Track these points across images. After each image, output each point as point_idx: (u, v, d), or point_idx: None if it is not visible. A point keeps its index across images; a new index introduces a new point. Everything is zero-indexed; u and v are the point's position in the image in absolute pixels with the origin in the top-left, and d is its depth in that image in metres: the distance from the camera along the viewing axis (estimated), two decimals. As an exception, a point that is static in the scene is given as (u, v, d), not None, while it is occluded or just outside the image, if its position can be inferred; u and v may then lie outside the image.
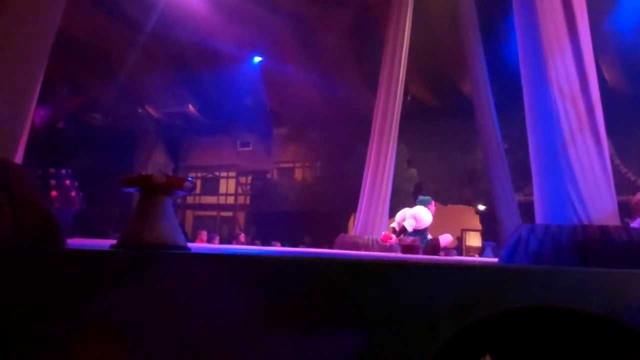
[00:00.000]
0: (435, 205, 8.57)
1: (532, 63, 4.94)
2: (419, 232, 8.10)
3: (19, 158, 3.52)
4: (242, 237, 17.02)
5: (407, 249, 8.03)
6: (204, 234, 15.12)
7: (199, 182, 24.90)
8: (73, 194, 6.78)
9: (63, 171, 6.75)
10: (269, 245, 16.02)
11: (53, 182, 6.58)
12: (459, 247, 20.10)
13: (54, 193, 6.48)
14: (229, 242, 17.35)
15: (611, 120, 4.94)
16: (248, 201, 25.49)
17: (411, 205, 8.59)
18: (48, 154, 6.63)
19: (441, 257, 7.42)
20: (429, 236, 8.25)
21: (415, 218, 8.10)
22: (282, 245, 12.30)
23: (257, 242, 16.97)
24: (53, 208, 5.51)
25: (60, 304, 2.60)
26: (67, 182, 6.74)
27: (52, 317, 2.57)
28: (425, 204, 8.38)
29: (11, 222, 2.90)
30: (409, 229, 8.03)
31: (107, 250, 3.12)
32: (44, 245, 3.02)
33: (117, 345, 2.59)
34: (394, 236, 8.21)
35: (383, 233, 8.65)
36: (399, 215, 8.44)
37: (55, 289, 2.61)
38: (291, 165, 24.93)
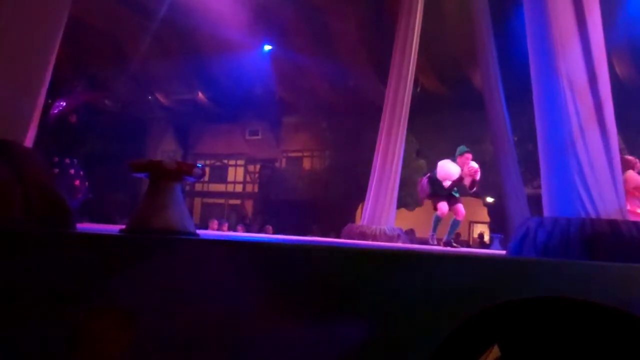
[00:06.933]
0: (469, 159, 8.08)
1: (541, 55, 4.90)
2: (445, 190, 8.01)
3: (29, 142, 3.54)
4: (239, 229, 17.08)
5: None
6: (215, 224, 15.12)
7: (207, 170, 24.95)
8: (77, 183, 6.72)
9: (67, 160, 6.68)
10: (265, 230, 16.14)
11: (56, 170, 6.53)
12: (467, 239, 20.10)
13: None
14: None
15: (622, 114, 4.91)
16: (256, 189, 25.54)
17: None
18: (57, 139, 6.57)
19: (448, 249, 7.40)
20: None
21: (438, 169, 7.99)
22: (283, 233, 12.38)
23: (268, 227, 17.05)
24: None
25: (70, 287, 2.62)
26: (72, 171, 6.68)
27: (61, 301, 2.59)
28: (458, 153, 8.11)
29: (22, 205, 2.92)
30: (445, 183, 7.88)
31: (117, 234, 3.14)
32: (54, 228, 3.04)
33: (124, 329, 2.60)
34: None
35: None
36: None
37: (64, 272, 2.63)
38: (300, 154, 24.94)
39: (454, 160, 8.05)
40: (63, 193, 3.38)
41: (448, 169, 7.93)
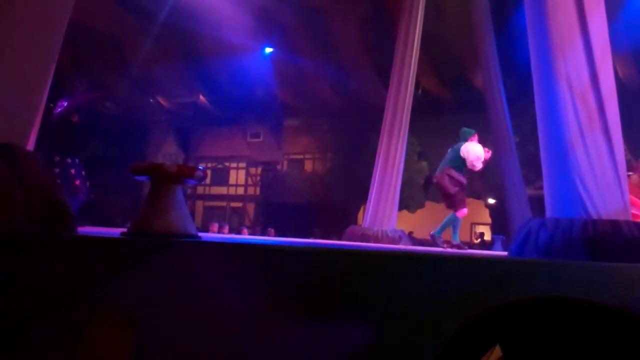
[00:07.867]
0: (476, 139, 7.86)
1: (542, 57, 4.88)
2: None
3: (30, 146, 3.54)
4: (245, 231, 17.10)
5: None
6: (215, 226, 15.11)
7: (209, 173, 24.88)
8: (77, 182, 6.67)
9: (68, 160, 6.65)
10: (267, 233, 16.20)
11: (57, 170, 6.49)
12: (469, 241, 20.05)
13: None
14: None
15: (623, 115, 4.88)
16: (258, 192, 25.54)
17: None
18: (59, 139, 6.53)
19: (450, 250, 7.34)
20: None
21: (466, 155, 7.60)
22: (285, 236, 12.41)
23: (270, 230, 17.09)
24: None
25: (71, 290, 2.62)
26: (73, 171, 6.65)
27: (63, 303, 2.59)
28: (468, 135, 7.80)
29: (23, 208, 2.92)
30: (477, 165, 7.62)
31: (119, 237, 3.14)
32: (56, 231, 3.04)
33: (127, 331, 2.60)
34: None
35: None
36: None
37: (66, 275, 2.63)
38: (301, 156, 24.95)
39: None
40: (64, 195, 3.38)
41: (477, 151, 7.64)
